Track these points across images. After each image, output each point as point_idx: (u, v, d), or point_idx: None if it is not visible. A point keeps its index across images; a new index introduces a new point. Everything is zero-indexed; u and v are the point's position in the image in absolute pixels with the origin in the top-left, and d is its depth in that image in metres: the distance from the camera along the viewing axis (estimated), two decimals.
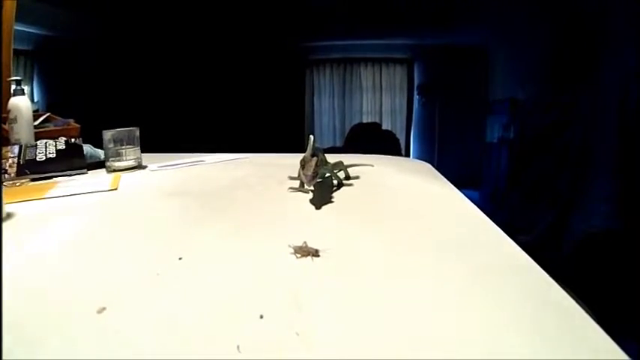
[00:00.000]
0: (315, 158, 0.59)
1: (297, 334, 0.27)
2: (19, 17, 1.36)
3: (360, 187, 0.74)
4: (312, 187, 0.64)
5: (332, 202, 0.63)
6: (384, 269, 0.38)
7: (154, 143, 1.15)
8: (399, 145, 4.20)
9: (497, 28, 3.63)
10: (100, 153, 0.99)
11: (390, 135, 4.24)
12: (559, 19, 2.40)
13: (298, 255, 0.40)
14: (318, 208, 0.58)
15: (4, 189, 0.77)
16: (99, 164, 0.99)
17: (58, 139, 0.97)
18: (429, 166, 1.01)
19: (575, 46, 2.12)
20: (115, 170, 0.93)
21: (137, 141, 0.97)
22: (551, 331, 0.28)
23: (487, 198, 3.56)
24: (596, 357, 0.25)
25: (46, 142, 0.95)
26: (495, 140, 3.66)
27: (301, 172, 0.61)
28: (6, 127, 1.01)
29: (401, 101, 4.63)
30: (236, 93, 3.95)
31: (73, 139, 0.98)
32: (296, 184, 0.71)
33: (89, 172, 0.94)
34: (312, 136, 0.66)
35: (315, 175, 0.59)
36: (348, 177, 0.78)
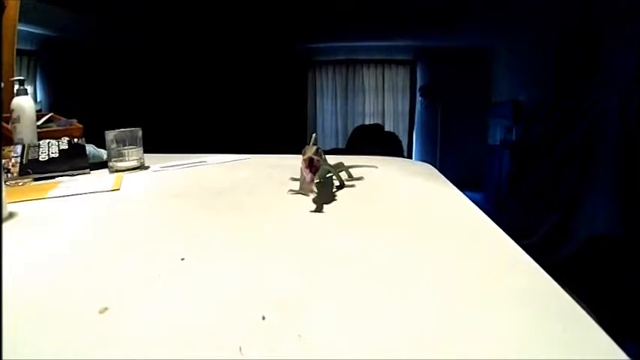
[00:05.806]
0: (315, 147, 0.60)
1: (300, 336, 0.27)
2: (23, 17, 1.37)
3: (362, 188, 0.74)
4: (314, 188, 0.64)
5: (335, 199, 0.63)
6: (385, 270, 0.38)
7: (156, 144, 1.15)
8: (401, 146, 4.19)
9: (500, 30, 3.63)
10: (103, 153, 0.99)
11: (392, 137, 4.23)
12: (561, 22, 2.40)
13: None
14: (320, 209, 0.58)
15: (6, 188, 0.78)
16: (101, 164, 0.99)
17: (60, 139, 0.98)
18: (432, 167, 1.01)
19: (577, 49, 2.12)
20: (117, 170, 0.93)
21: (140, 141, 0.97)
22: (552, 331, 0.28)
23: (489, 200, 3.56)
24: (597, 357, 0.25)
25: (48, 142, 0.95)
26: (497, 142, 3.66)
27: (301, 160, 0.61)
28: (9, 126, 1.01)
29: (403, 103, 4.63)
30: (239, 94, 3.95)
31: (75, 139, 0.99)
32: (297, 185, 0.71)
33: (92, 172, 0.95)
34: (314, 134, 0.67)
35: (312, 160, 0.59)
36: (350, 177, 0.78)
